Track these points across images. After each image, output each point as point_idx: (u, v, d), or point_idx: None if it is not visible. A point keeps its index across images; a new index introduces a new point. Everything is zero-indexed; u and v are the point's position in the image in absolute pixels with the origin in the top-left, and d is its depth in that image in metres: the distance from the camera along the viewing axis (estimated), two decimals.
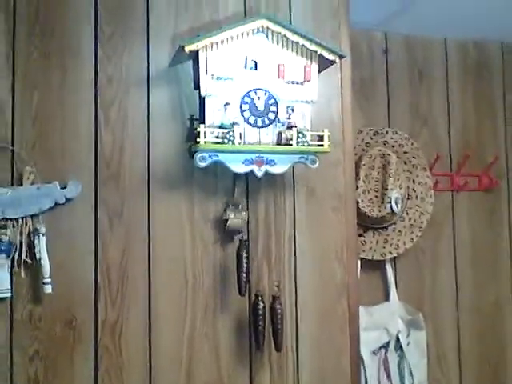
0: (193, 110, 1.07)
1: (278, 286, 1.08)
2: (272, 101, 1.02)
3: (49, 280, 0.98)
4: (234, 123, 0.99)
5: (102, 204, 1.04)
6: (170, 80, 1.08)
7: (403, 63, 1.73)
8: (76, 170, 1.03)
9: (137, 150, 1.06)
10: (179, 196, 1.08)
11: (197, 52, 0.98)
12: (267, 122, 1.02)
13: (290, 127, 1.02)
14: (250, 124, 1.01)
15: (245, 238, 1.07)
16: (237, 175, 1.07)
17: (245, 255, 1.05)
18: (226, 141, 0.97)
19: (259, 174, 1.02)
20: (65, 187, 1.00)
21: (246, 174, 1.07)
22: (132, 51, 1.07)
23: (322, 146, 1.04)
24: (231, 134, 0.97)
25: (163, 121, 1.07)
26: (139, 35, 1.07)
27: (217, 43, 0.98)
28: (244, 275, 1.04)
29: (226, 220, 1.07)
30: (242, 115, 1.01)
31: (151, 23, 1.08)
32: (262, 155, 1.02)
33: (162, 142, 1.07)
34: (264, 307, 1.05)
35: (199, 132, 0.97)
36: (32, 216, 0.98)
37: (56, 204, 0.99)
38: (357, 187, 1.50)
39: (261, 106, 1.02)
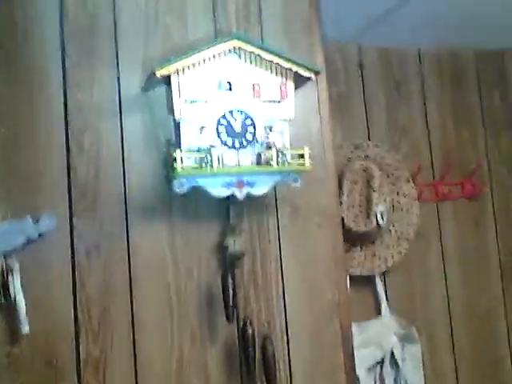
0: (168, 134, 1.04)
1: (268, 325, 1.04)
2: (249, 121, 1.00)
3: (25, 320, 0.93)
4: (211, 146, 0.96)
5: (78, 236, 1.00)
6: (144, 105, 1.05)
7: (379, 76, 1.74)
8: (49, 202, 0.99)
9: (113, 178, 1.03)
10: (159, 223, 1.04)
11: (169, 76, 0.96)
12: (245, 143, 1.00)
13: (269, 147, 1.00)
14: (228, 146, 0.99)
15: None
16: (230, 199, 1.03)
17: (230, 281, 1.01)
18: (204, 165, 0.95)
19: (240, 196, 1.00)
20: (38, 221, 0.96)
21: (228, 198, 1.04)
22: (102, 78, 1.04)
23: (302, 164, 1.02)
24: (209, 157, 0.95)
25: (139, 147, 1.04)
26: (109, 61, 1.04)
27: (188, 66, 0.96)
28: (230, 301, 1.01)
29: (226, 247, 1.03)
30: (219, 137, 0.98)
31: (120, 48, 1.05)
32: (242, 177, 0.99)
33: (139, 168, 1.04)
34: (253, 332, 1.02)
35: (176, 158, 0.94)
36: (4, 254, 0.94)
37: (29, 239, 0.95)
38: (341, 203, 1.48)
39: (238, 127, 1.00)
